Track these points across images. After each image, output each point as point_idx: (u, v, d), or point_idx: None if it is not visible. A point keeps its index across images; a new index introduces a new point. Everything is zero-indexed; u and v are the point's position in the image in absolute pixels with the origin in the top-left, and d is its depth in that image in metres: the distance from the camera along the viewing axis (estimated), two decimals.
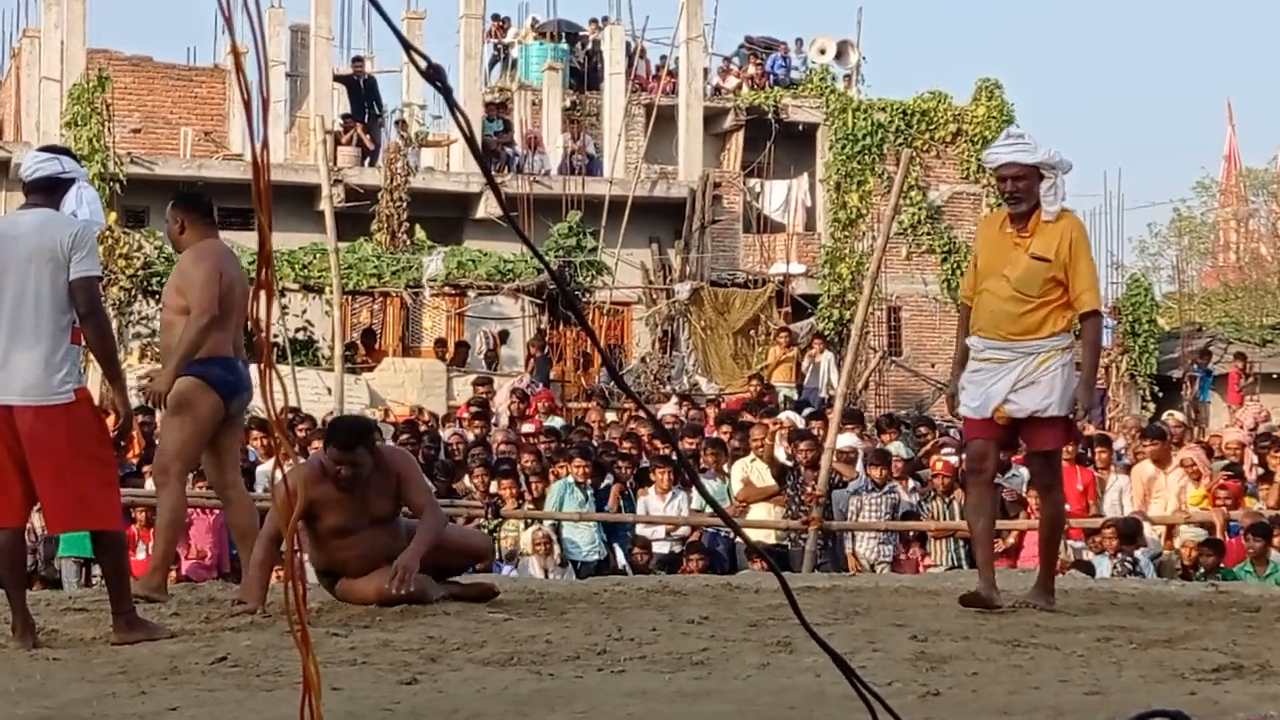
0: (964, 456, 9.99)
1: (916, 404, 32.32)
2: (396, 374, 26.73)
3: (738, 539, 16.53)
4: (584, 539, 16.43)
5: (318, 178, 27.20)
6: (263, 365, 3.28)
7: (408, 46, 3.08)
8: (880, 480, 16.71)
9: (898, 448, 18.54)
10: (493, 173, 32.93)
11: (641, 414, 21.69)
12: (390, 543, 8.87)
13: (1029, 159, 8.74)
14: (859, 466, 17.30)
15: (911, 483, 17.28)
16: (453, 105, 3.28)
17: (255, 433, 17.80)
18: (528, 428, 20.42)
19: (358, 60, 34.61)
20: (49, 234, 7.74)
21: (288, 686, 6.33)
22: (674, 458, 17.05)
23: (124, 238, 26.24)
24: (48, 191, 7.98)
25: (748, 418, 20.12)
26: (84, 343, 7.80)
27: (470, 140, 3.46)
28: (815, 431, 18.18)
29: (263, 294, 3.33)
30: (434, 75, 3.12)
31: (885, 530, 16.38)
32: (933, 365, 34.43)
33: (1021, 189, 8.77)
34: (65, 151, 8.36)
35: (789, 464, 16.98)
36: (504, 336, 30.94)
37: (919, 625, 8.08)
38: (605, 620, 8.30)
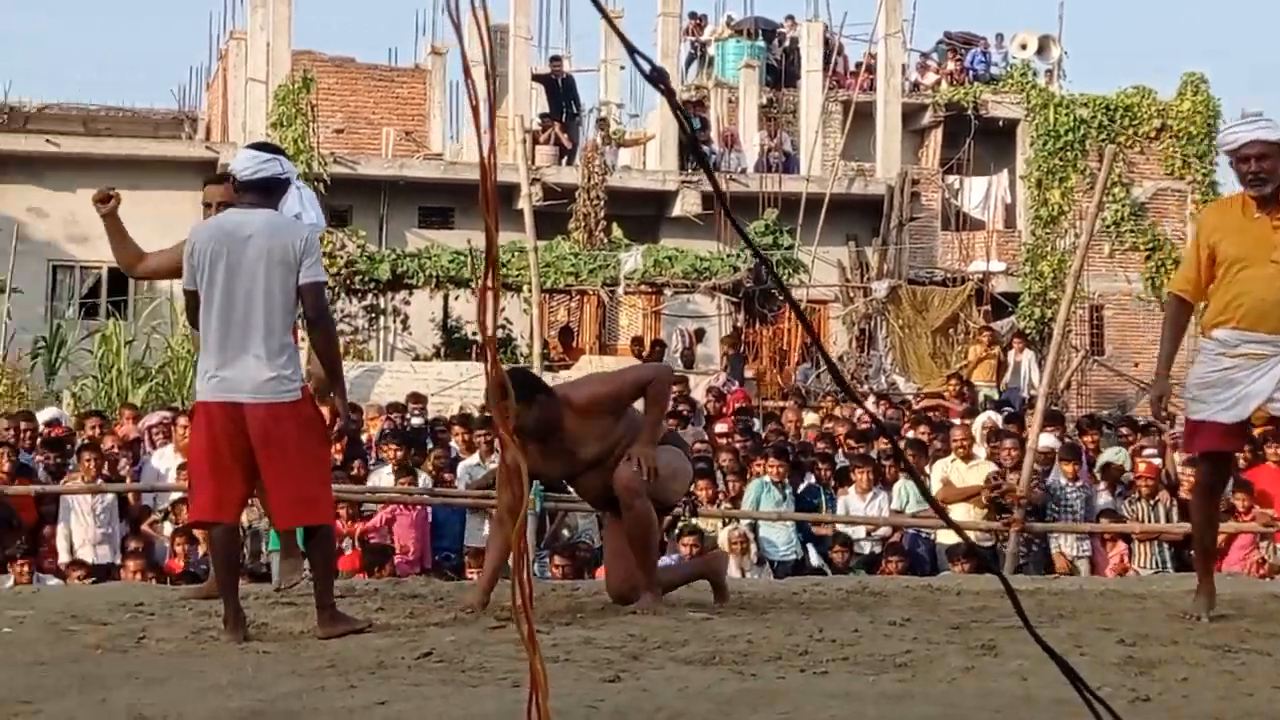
0: (1196, 464, 9.29)
1: (1119, 404, 31.87)
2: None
3: (937, 541, 16.43)
4: (781, 538, 16.38)
5: (516, 177, 27.36)
6: (489, 366, 3.28)
7: (632, 49, 3.08)
8: (1073, 477, 16.52)
9: (1117, 453, 18.26)
10: (688, 172, 33.06)
11: (839, 413, 21.64)
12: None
13: (1274, 135, 8.25)
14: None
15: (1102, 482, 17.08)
16: (676, 107, 3.28)
17: (457, 429, 17.98)
18: (723, 427, 20.39)
19: (556, 59, 34.82)
20: (281, 237, 7.89)
21: (492, 682, 6.38)
22: (890, 452, 16.97)
23: (327, 237, 26.59)
24: (266, 192, 8.05)
25: (949, 418, 19.97)
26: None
27: (694, 144, 3.46)
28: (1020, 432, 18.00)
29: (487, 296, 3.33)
30: (657, 78, 3.11)
31: (1089, 533, 16.18)
32: (1135, 365, 33.97)
33: (1266, 169, 8.20)
34: (279, 150, 8.41)
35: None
36: (700, 335, 30.94)
37: (1126, 629, 7.96)
38: (806, 621, 8.27)
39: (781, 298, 28.42)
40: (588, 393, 8.94)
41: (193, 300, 7.94)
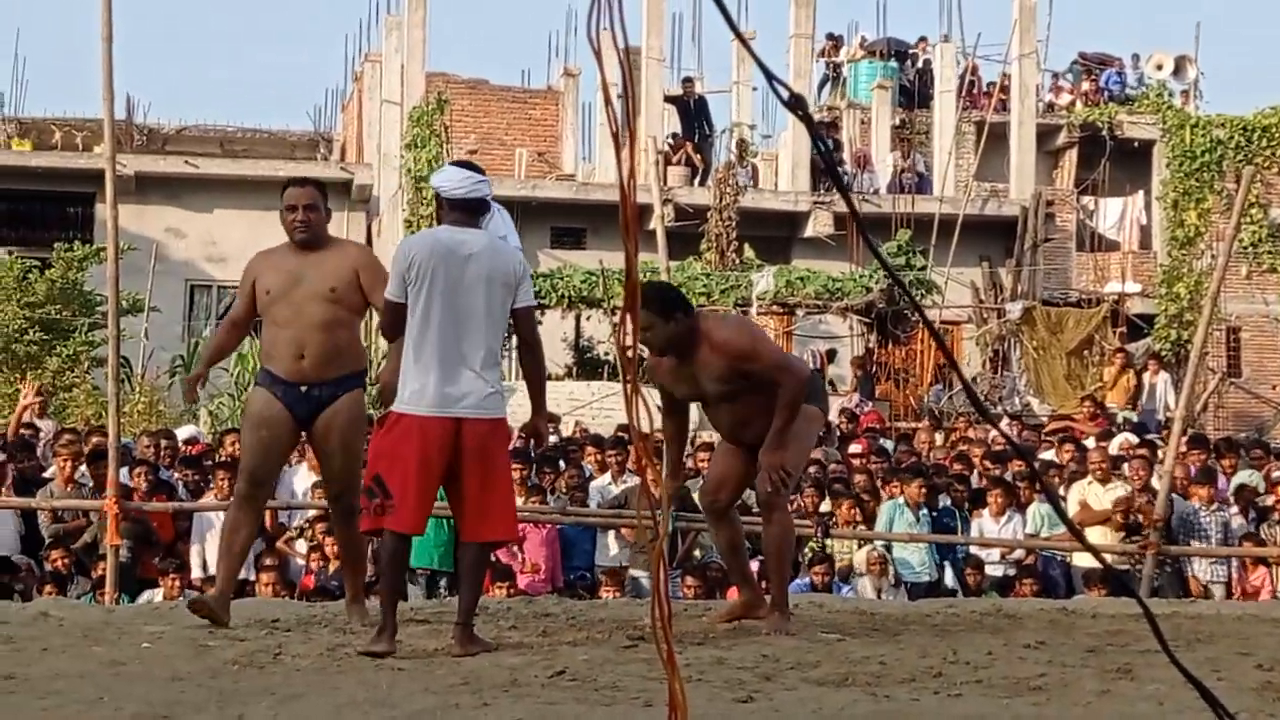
0: None
1: (1256, 427, 31.46)
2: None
3: (1072, 563, 16.30)
4: (916, 559, 16.30)
5: (649, 198, 27.49)
6: (628, 388, 3.30)
7: (769, 75, 3.09)
8: (1207, 500, 16.35)
9: (1250, 476, 18.05)
10: (820, 192, 33.00)
11: (972, 434, 21.51)
12: (748, 411, 8.86)
13: None
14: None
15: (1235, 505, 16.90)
16: (815, 135, 3.29)
17: (589, 448, 18.03)
18: (856, 447, 20.31)
19: (688, 81, 34.89)
20: (502, 260, 8.08)
21: (625, 701, 6.39)
22: (1025, 474, 16.85)
23: None
24: (474, 211, 8.16)
25: (1084, 437, 19.82)
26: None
27: (831, 169, 3.46)
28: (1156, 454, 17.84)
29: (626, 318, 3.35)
30: (796, 104, 3.12)
31: (1226, 556, 16.01)
32: (1274, 387, 33.55)
33: None
34: (480, 170, 8.43)
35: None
36: (831, 355, 30.86)
37: (1264, 654, 7.86)
38: (939, 643, 8.23)
39: (916, 318, 28.31)
40: (726, 336, 8.87)
41: (399, 313, 8.03)
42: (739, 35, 3.29)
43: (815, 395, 9.11)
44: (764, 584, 9.60)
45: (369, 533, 8.21)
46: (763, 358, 8.79)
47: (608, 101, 3.32)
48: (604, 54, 3.33)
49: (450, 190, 8.13)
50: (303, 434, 9.18)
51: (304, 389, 8.92)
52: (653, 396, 8.43)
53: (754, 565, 10.53)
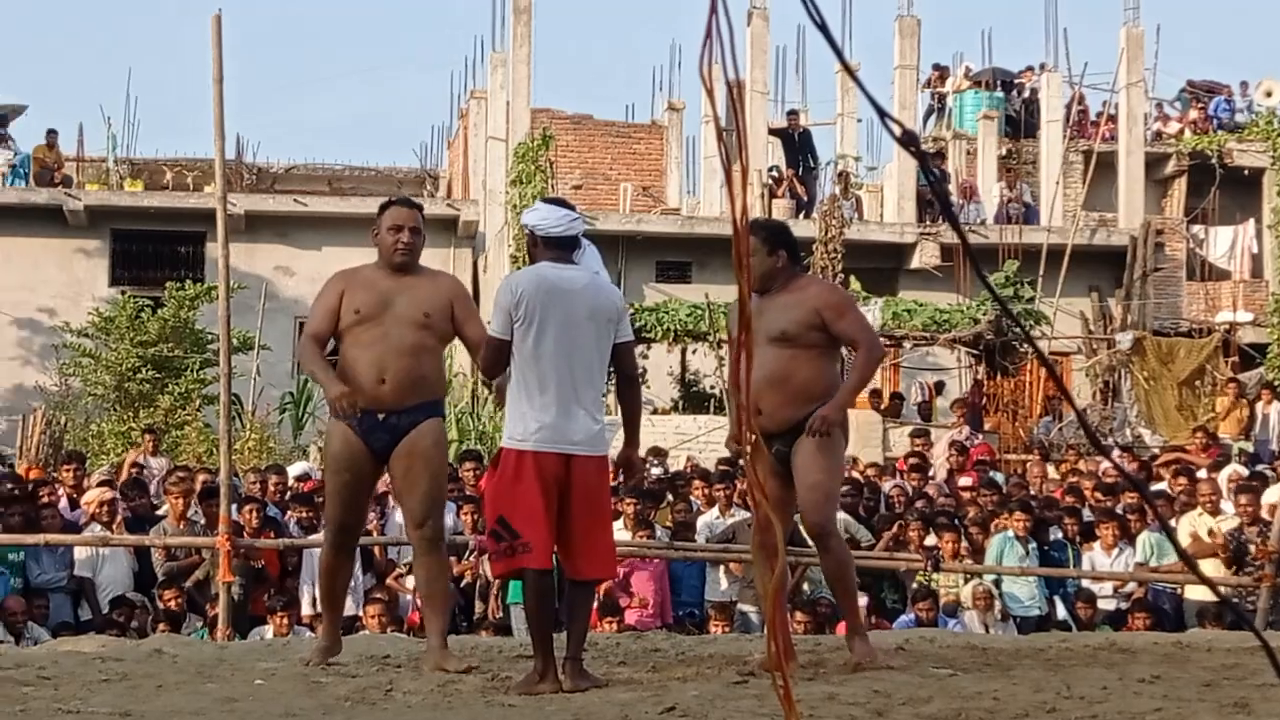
0: None
1: None
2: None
3: (1184, 596, 16.13)
4: (1024, 593, 16.18)
5: None
6: (743, 427, 3.31)
7: (881, 111, 3.08)
8: None
9: None
10: (926, 223, 32.90)
11: (1083, 466, 21.36)
12: (791, 369, 8.65)
13: None
14: None
15: None
16: (927, 170, 3.28)
17: (696, 482, 18.01)
18: (965, 480, 20.20)
19: (792, 113, 34.88)
20: (604, 296, 8.14)
21: None
22: (1136, 505, 16.70)
23: None
24: (568, 248, 8.17)
25: (1197, 469, 19.64)
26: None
27: (945, 205, 3.45)
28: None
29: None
30: (908, 141, 3.11)
31: None
32: None
33: None
34: (571, 206, 8.40)
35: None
36: (939, 387, 30.70)
37: None
38: (1053, 677, 8.15)
39: (1025, 349, 28.12)
40: (823, 288, 9.08)
41: (503, 350, 8.04)
42: (848, 69, 3.29)
43: (843, 422, 8.92)
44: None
45: (503, 576, 8.21)
46: (849, 319, 8.73)
47: (720, 138, 3.33)
48: (715, 89, 3.34)
49: (548, 228, 8.14)
50: (383, 467, 8.85)
51: (381, 417, 8.63)
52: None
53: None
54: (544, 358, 7.89)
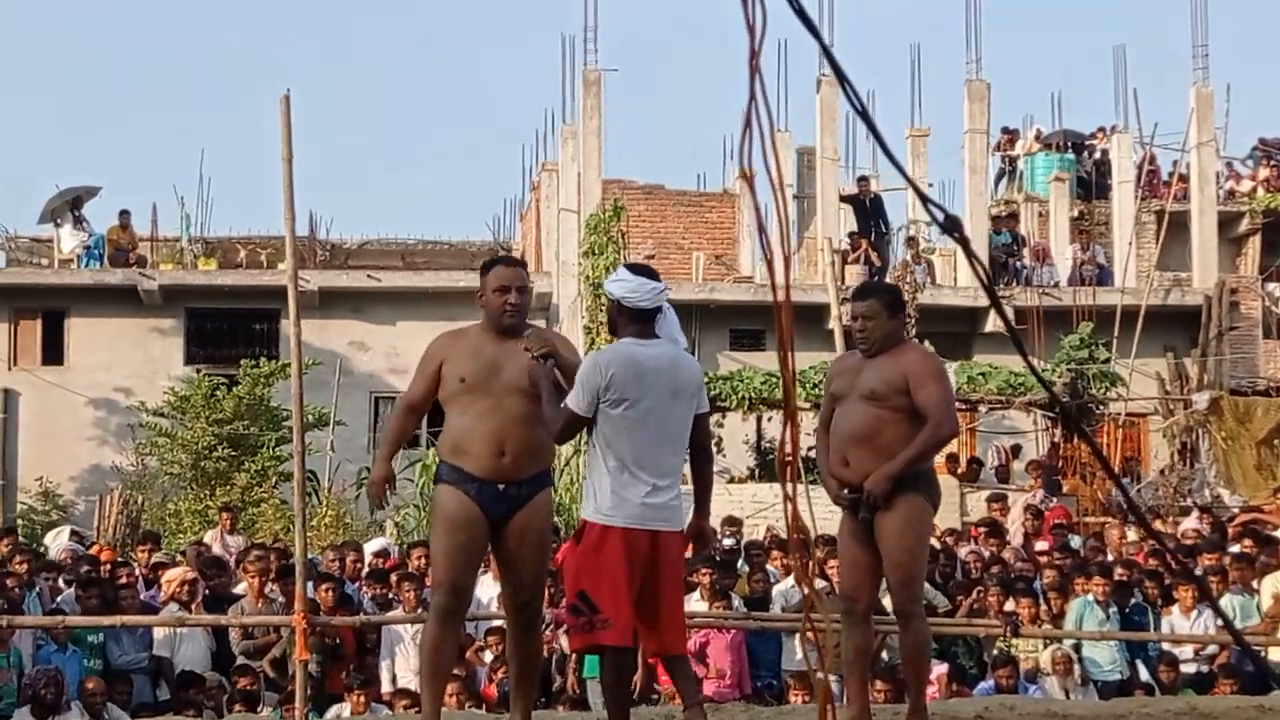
0: None
1: None
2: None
3: (1270, 656, 15.96)
4: (1104, 657, 16.06)
5: (826, 297, 27.49)
6: (787, 487, 3.32)
7: (924, 199, 3.11)
8: None
9: None
10: (1000, 286, 32.80)
11: (1162, 528, 21.22)
12: (878, 428, 8.72)
13: None
14: None
15: None
16: (970, 254, 3.29)
17: (774, 551, 17.94)
18: (1042, 544, 20.07)
19: (863, 180, 34.86)
20: (687, 370, 8.18)
21: None
22: (1189, 575, 16.57)
23: None
24: (652, 319, 8.13)
25: (1274, 528, 19.49)
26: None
27: (990, 291, 3.45)
28: None
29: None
30: (951, 226, 3.13)
31: None
32: None
33: None
34: (655, 275, 8.31)
35: None
36: (1016, 451, 30.55)
37: None
38: None
39: (1100, 410, 27.97)
40: (919, 354, 9.10)
41: (578, 426, 8.04)
42: (891, 158, 3.30)
43: (931, 490, 8.92)
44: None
45: (581, 651, 8.20)
46: (931, 389, 8.73)
47: (761, 231, 3.35)
48: (759, 180, 3.36)
49: (636, 300, 8.08)
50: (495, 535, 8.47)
51: (502, 488, 8.29)
52: (818, 497, 8.37)
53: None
54: (632, 435, 7.87)
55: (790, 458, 3.53)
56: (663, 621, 7.97)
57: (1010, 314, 32.45)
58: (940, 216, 3.09)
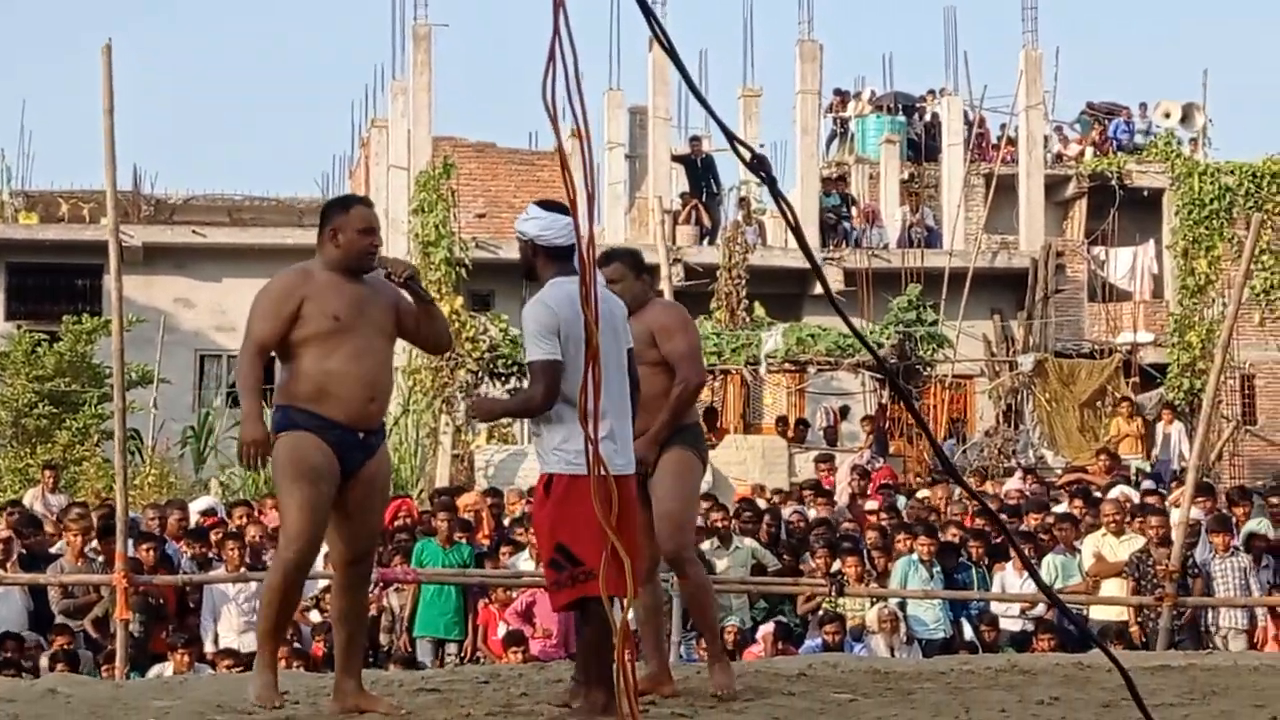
0: None
1: (1273, 475, 31.29)
2: (739, 451, 26.72)
3: (1090, 615, 16.20)
4: (929, 616, 16.21)
5: (657, 257, 27.46)
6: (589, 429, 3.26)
7: (731, 136, 3.03)
8: (1224, 547, 16.30)
9: (1259, 524, 17.89)
10: (829, 248, 32.97)
11: (989, 488, 21.49)
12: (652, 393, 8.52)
13: None
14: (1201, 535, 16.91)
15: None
16: (777, 195, 3.23)
17: None
18: (870, 504, 20.23)
19: (695, 139, 34.87)
20: (618, 306, 8.03)
21: None
22: (1041, 527, 16.82)
23: (470, 321, 26.68)
24: (571, 257, 7.78)
25: (1096, 489, 19.82)
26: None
27: (797, 233, 3.39)
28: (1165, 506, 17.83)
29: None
30: (758, 165, 3.06)
31: (1244, 606, 15.94)
32: None
33: None
34: (565, 209, 7.73)
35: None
36: (844, 412, 30.77)
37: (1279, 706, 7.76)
38: (953, 700, 8.14)
39: (927, 373, 28.21)
40: (661, 309, 8.92)
41: (559, 372, 7.65)
42: (700, 99, 3.24)
43: (698, 442, 8.85)
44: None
45: (566, 608, 7.85)
46: (676, 341, 8.65)
47: (564, 168, 3.27)
48: (570, 115, 3.28)
49: (552, 238, 7.79)
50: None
51: (361, 435, 7.92)
52: None
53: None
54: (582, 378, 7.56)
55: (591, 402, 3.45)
56: (637, 564, 7.73)
57: (839, 275, 32.66)
58: (747, 155, 3.02)
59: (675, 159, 34.50)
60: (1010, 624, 16.45)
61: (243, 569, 15.34)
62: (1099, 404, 30.36)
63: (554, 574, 7.63)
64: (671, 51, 2.75)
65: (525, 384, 7.85)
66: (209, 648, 15.12)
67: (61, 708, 8.42)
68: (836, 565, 16.23)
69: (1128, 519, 17.18)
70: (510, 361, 26.41)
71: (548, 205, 8.02)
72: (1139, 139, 37.38)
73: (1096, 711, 7.68)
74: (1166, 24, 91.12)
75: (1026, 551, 16.60)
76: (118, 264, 12.89)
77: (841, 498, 21.23)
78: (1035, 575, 5.08)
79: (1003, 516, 18.32)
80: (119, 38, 12.96)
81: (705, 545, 16.29)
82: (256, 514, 17.92)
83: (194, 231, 33.22)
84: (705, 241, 32.76)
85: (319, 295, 7.87)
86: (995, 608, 16.47)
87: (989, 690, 8.63)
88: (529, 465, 25.13)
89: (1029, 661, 10.85)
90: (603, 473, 7.53)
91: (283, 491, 7.98)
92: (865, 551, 16.83)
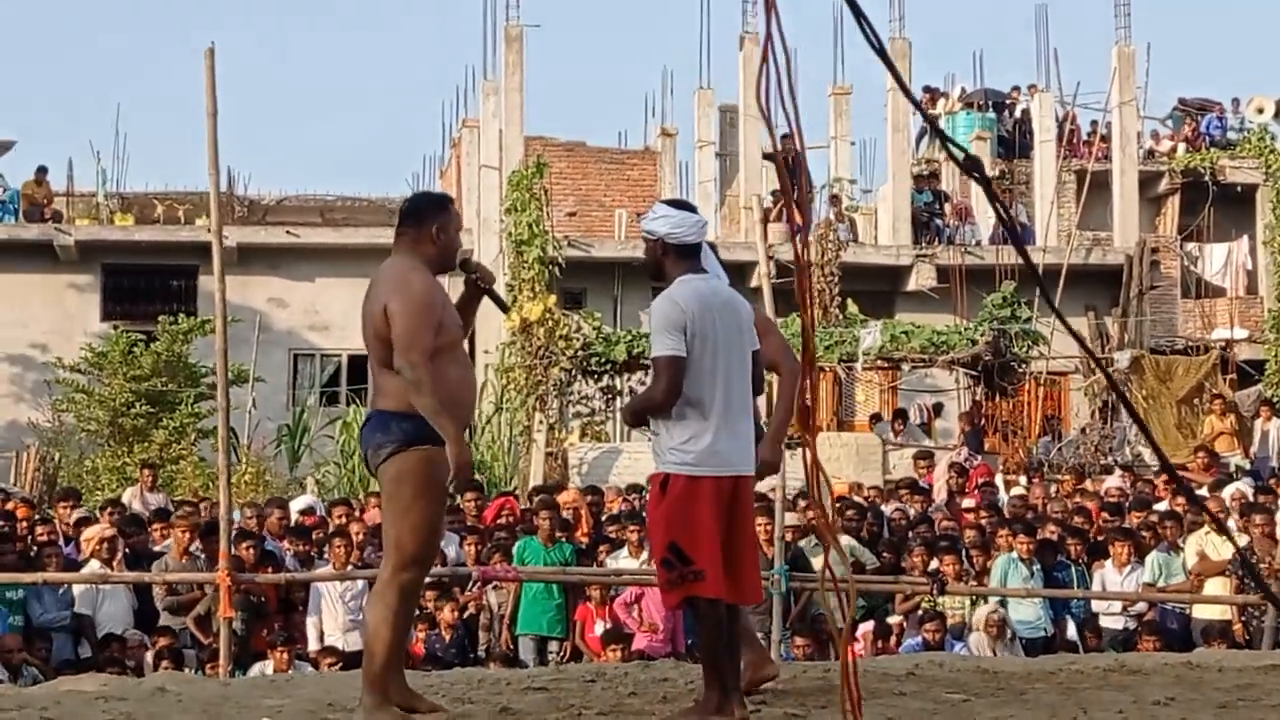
0: None
1: None
2: (832, 448, 26.63)
3: (1192, 616, 16.06)
4: (1030, 614, 16.10)
5: (750, 255, 27.40)
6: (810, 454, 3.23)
7: (944, 138, 3.01)
8: None
9: None
10: (922, 245, 32.84)
11: (1089, 486, 21.31)
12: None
13: None
14: None
15: None
16: (992, 197, 3.20)
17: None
18: (968, 502, 20.11)
19: (786, 137, 34.69)
20: (745, 306, 7.87)
21: None
22: (1145, 522, 16.61)
23: (563, 319, 26.70)
24: (698, 255, 7.78)
25: (1198, 487, 19.63)
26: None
27: (1012, 234, 3.35)
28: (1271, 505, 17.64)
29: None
30: (971, 166, 3.04)
31: None
32: None
33: None
34: (692, 208, 7.96)
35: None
36: (938, 409, 30.64)
37: None
38: (1067, 701, 8.06)
39: (1022, 369, 28.04)
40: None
41: (684, 370, 7.54)
42: (915, 103, 3.21)
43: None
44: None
45: (676, 607, 7.81)
46: (774, 336, 8.62)
47: (781, 172, 3.25)
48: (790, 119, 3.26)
49: (681, 236, 7.72)
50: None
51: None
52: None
53: None
54: (711, 377, 7.56)
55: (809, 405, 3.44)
56: (742, 570, 7.68)
57: (932, 273, 32.53)
58: (960, 155, 3.01)
59: (766, 157, 34.45)
60: (1111, 621, 16.34)
61: (349, 567, 15.39)
62: (1196, 401, 30.08)
63: (665, 573, 7.57)
64: (881, 52, 2.73)
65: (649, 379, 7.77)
66: (313, 645, 15.17)
67: (173, 706, 8.46)
68: (934, 564, 16.14)
69: (1236, 517, 17.03)
70: (604, 360, 26.43)
71: (675, 204, 8.04)
72: (1231, 135, 37.11)
73: (1215, 712, 7.60)
74: (1258, 19, 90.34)
75: (1126, 550, 16.50)
76: (220, 265, 12.88)
77: (939, 495, 21.11)
78: (1233, 539, 4.97)
79: (1105, 515, 18.24)
80: (214, 36, 13.04)
81: (803, 543, 16.25)
82: (358, 512, 17.98)
83: (288, 232, 33.40)
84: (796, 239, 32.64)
85: (447, 301, 7.69)
86: (1096, 606, 16.36)
87: (1101, 691, 8.54)
88: (623, 463, 25.14)
89: (1137, 661, 10.74)
90: (723, 474, 7.60)
91: (409, 508, 7.50)
92: (964, 550, 16.74)
